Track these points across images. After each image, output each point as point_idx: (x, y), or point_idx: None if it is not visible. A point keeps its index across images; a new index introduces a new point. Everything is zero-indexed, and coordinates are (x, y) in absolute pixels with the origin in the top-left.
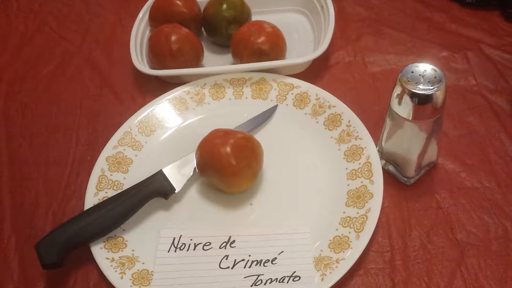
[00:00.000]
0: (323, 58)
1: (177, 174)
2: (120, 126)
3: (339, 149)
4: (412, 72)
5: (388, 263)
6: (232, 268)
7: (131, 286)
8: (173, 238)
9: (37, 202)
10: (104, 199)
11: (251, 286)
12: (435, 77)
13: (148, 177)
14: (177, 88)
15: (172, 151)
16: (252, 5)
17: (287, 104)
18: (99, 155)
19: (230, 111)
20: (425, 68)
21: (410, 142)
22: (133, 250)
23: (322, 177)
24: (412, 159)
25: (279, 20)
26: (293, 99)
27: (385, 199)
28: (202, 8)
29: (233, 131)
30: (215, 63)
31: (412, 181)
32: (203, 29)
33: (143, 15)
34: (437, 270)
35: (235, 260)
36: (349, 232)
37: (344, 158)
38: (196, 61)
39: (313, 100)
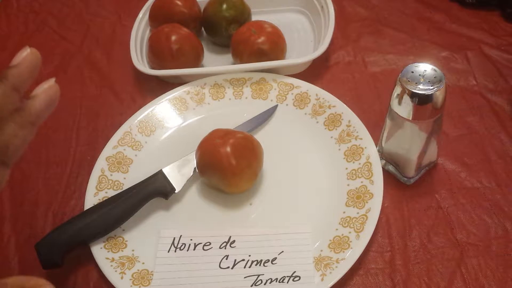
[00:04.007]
0: (323, 58)
1: (177, 174)
2: (120, 126)
3: (339, 149)
4: (412, 72)
5: (388, 263)
6: (232, 268)
7: (131, 286)
8: (173, 238)
9: (37, 202)
10: (104, 199)
11: (251, 286)
12: (435, 77)
13: (148, 177)
14: (177, 88)
15: (172, 151)
16: (252, 5)
17: (287, 104)
18: (99, 155)
19: (230, 111)
20: (425, 68)
21: (410, 142)
22: (133, 250)
23: (322, 177)
24: (412, 159)
25: (279, 20)
26: (293, 99)
27: (385, 199)
28: (202, 8)
29: (233, 131)
30: (215, 63)
31: (412, 181)
32: (203, 29)
33: (143, 15)
34: (437, 270)
35: (235, 260)
36: (349, 232)
37: (344, 158)
38: (196, 61)
39: (313, 100)
